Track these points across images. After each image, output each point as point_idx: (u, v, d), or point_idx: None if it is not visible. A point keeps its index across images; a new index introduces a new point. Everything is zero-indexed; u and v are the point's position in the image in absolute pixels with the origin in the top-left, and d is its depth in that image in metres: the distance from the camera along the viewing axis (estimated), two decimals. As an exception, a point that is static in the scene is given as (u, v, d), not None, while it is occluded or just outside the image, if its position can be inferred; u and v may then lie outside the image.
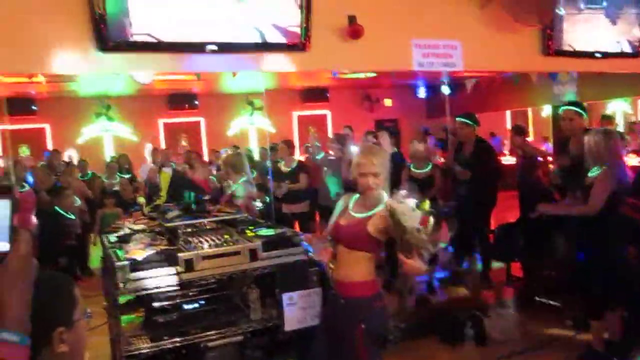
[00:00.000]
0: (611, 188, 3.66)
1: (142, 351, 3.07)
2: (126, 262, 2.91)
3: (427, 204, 2.53)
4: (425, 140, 6.85)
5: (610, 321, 4.01)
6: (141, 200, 8.61)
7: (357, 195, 2.88)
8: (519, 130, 6.67)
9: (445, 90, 14.10)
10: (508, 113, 15.03)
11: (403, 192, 2.55)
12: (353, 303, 2.79)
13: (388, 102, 14.95)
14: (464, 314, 4.74)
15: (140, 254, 2.99)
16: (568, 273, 4.89)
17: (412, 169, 5.63)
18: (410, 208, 2.47)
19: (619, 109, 14.30)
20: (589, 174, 3.88)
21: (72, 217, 6.67)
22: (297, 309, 3.32)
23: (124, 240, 3.38)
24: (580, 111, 4.34)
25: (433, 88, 14.83)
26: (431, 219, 2.49)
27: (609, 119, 10.62)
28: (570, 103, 4.54)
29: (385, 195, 2.75)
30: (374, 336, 2.76)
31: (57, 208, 6.49)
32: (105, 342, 3.90)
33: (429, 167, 5.58)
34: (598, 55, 5.08)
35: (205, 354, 3.24)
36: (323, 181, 6.65)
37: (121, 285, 2.89)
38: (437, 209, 5.59)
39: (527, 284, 5.59)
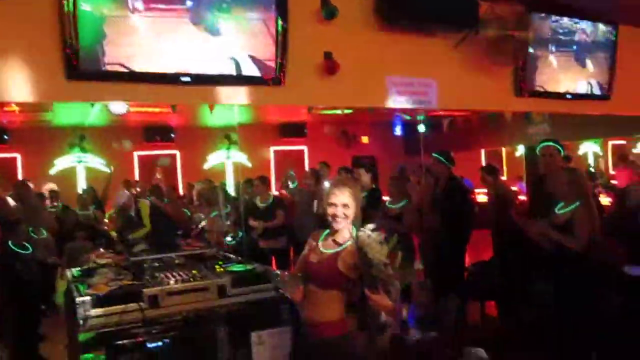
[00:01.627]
0: (591, 224, 3.70)
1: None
2: (87, 298, 2.79)
3: (395, 239, 2.49)
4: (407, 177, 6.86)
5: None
6: (113, 233, 8.42)
7: (327, 231, 2.82)
8: (490, 170, 6.71)
9: (422, 128, 14.30)
10: (483, 152, 15.23)
11: (371, 225, 2.52)
12: (325, 343, 2.69)
13: (365, 139, 15.01)
14: (439, 355, 4.65)
15: (103, 290, 2.87)
16: (546, 315, 4.86)
17: (388, 205, 5.62)
18: (377, 242, 2.43)
19: (590, 150, 14.63)
20: (558, 211, 3.90)
21: (27, 251, 6.39)
22: (267, 348, 3.22)
23: (88, 274, 3.25)
24: (560, 148, 4.40)
25: (410, 126, 14.99)
26: (399, 255, 2.45)
27: (568, 160, 10.88)
28: (550, 140, 4.62)
29: (355, 231, 2.70)
30: None
31: (10, 243, 6.23)
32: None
33: (404, 202, 5.56)
34: (569, 96, 5.18)
35: (170, 395, 3.11)
36: (298, 216, 6.58)
37: (81, 322, 2.76)
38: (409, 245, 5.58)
39: (503, 324, 5.54)
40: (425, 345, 5.13)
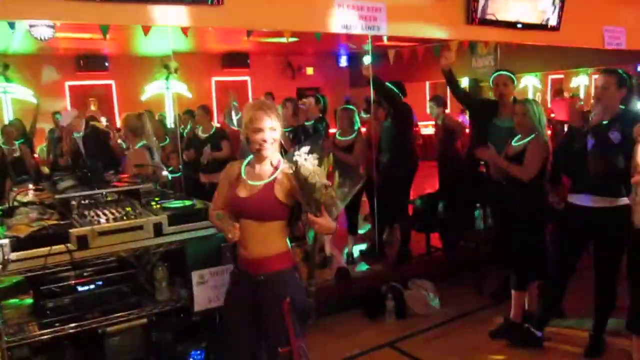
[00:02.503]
0: (543, 157, 3.67)
1: (30, 340, 2.72)
2: (6, 241, 2.52)
3: (331, 159, 2.42)
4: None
5: (530, 293, 4.05)
6: (46, 169, 7.91)
7: (247, 161, 2.61)
8: (439, 101, 6.61)
9: (368, 59, 14.03)
10: (427, 84, 15.21)
11: (305, 148, 2.38)
12: (274, 278, 2.56)
13: (310, 70, 14.75)
14: (385, 287, 4.65)
15: (23, 231, 2.60)
16: (489, 245, 4.92)
17: (337, 137, 5.44)
18: (315, 165, 2.34)
19: (529, 83, 14.86)
20: (513, 144, 3.84)
21: None
22: (209, 288, 3.06)
23: (8, 214, 2.95)
24: (513, 77, 4.27)
25: (356, 57, 14.71)
26: (337, 175, 2.39)
27: None
28: (504, 69, 4.50)
29: (279, 155, 2.57)
30: (298, 311, 2.57)
31: None
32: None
33: (354, 135, 5.39)
34: (519, 26, 5.04)
35: (105, 339, 2.94)
36: (242, 149, 6.33)
37: (0, 267, 2.50)
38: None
39: (447, 256, 5.60)
40: (370, 277, 5.13)
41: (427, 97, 14.77)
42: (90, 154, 5.71)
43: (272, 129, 2.48)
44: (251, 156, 2.60)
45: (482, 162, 4.70)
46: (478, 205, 5.25)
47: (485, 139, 4.10)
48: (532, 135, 3.72)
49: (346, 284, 4.94)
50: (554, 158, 3.74)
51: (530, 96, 14.32)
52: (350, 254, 5.68)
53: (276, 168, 2.55)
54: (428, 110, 6.73)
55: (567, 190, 3.86)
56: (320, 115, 5.83)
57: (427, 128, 12.14)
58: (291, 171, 2.41)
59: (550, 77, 15.57)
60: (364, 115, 7.74)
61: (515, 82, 4.31)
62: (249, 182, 2.56)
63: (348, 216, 5.59)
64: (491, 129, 4.17)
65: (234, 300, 2.68)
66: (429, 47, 10.92)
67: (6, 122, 9.78)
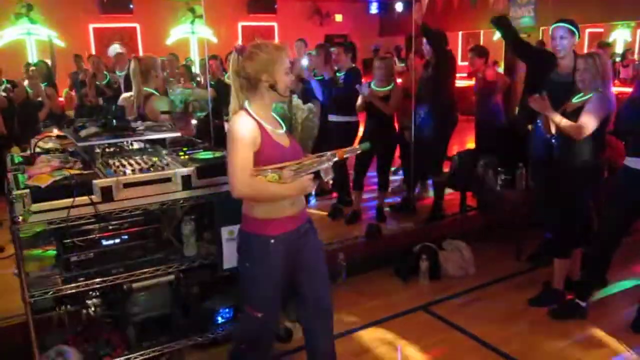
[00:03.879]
0: (602, 115, 3.36)
1: (53, 295, 2.59)
2: (26, 191, 2.35)
3: None
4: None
5: (572, 260, 3.82)
6: (70, 113, 7.76)
7: (252, 111, 2.27)
8: (481, 52, 6.21)
9: (400, 7, 13.49)
10: (460, 34, 14.63)
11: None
12: (310, 226, 2.50)
13: (339, 17, 14.33)
14: (418, 247, 4.46)
15: (44, 180, 2.43)
16: (529, 207, 4.67)
17: (373, 87, 5.14)
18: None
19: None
20: (574, 100, 3.52)
21: None
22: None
23: (29, 162, 2.78)
24: (574, 29, 3.86)
25: (387, 5, 14.19)
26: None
27: (542, 45, 10.47)
28: (563, 20, 4.07)
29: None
30: None
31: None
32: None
33: (391, 86, 5.10)
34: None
35: (131, 295, 2.81)
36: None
37: (20, 218, 2.35)
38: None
39: (482, 216, 5.36)
40: (402, 236, 4.94)
41: (460, 48, 14.25)
42: None
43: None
44: (247, 103, 2.31)
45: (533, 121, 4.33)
46: (519, 164, 4.95)
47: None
48: (594, 93, 3.39)
49: (377, 242, 4.76)
50: (617, 117, 3.43)
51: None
52: (380, 209, 5.48)
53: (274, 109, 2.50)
54: (459, 61, 6.37)
55: (619, 153, 3.57)
56: (353, 65, 5.52)
57: (458, 80, 11.71)
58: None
59: (588, 30, 14.84)
60: (399, 64, 7.38)
61: (577, 34, 3.87)
62: (277, 130, 2.36)
63: (379, 172, 5.36)
64: (547, 83, 3.82)
65: (278, 267, 2.38)
66: (466, -5, 10.39)
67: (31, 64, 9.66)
